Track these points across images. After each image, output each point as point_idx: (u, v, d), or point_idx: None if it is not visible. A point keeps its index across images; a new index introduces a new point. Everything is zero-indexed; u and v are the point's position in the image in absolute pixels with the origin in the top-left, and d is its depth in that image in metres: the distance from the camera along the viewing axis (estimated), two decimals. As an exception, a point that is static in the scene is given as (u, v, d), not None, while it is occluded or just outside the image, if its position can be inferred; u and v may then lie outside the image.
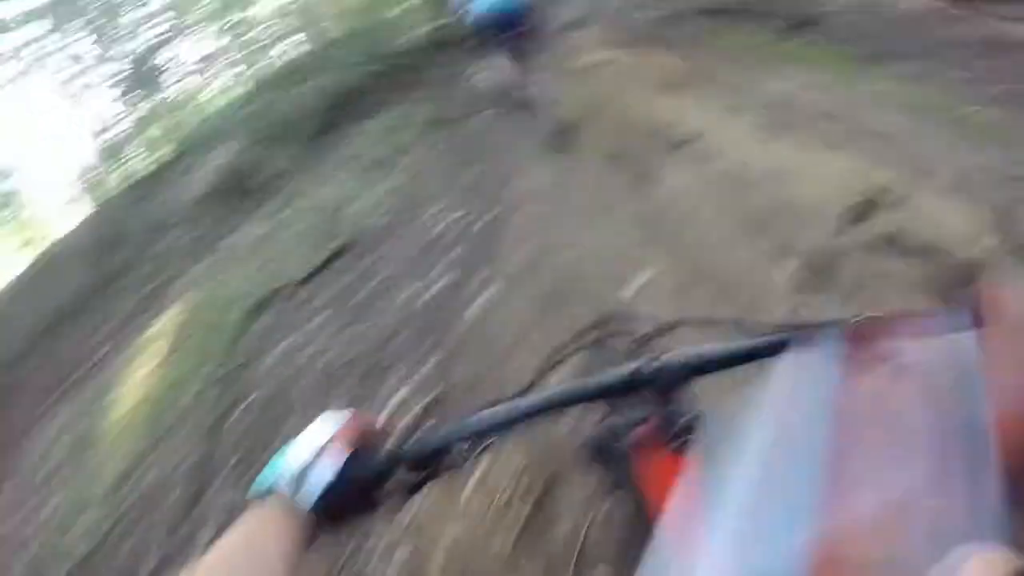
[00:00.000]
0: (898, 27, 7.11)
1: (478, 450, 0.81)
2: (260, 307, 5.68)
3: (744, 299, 3.16)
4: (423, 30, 13.70)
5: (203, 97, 25.24)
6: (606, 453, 0.95)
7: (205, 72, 24.92)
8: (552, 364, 1.03)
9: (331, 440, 0.77)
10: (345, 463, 0.76)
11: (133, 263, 10.14)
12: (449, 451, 0.79)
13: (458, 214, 5.40)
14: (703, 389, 0.84)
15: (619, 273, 3.69)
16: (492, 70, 7.32)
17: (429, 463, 0.79)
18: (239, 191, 9.71)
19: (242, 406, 4.57)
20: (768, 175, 4.32)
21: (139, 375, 6.47)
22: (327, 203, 7.21)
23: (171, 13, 22.89)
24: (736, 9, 9.11)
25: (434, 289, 4.40)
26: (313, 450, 0.76)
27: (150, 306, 8.32)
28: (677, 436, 0.80)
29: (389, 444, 0.82)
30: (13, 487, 5.84)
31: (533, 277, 4.02)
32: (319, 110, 10.87)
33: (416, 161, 7.35)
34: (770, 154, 4.66)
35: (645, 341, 1.03)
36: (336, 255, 5.70)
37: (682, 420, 0.81)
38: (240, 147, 11.59)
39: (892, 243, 3.23)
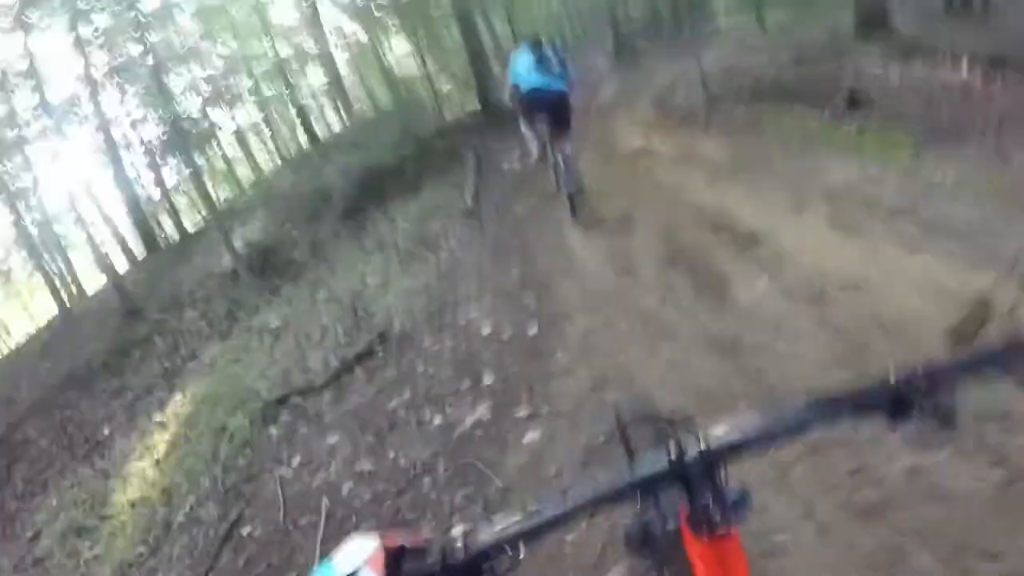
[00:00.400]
0: (946, 104, 6.76)
1: (522, 554, 0.73)
2: (271, 412, 5.10)
3: (851, 463, 2.46)
4: (464, 109, 13.60)
5: (239, 168, 25.53)
6: (651, 540, 0.90)
7: (242, 143, 25.29)
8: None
9: (364, 565, 0.67)
10: None
11: (150, 337, 9.73)
12: (494, 557, 0.71)
13: (498, 320, 4.72)
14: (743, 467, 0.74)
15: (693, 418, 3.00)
16: (531, 149, 6.94)
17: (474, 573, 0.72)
18: (263, 271, 9.31)
19: (243, 532, 3.96)
20: (849, 285, 3.70)
21: (138, 469, 6.07)
22: (351, 293, 6.70)
23: (215, 81, 23.48)
24: (780, 91, 8.74)
25: (470, 419, 3.70)
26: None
27: (161, 387, 7.96)
28: (724, 517, 0.75)
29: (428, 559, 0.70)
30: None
31: (587, 417, 3.28)
32: (351, 190, 10.56)
33: (450, 253, 6.77)
34: (846, 258, 4.06)
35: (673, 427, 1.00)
36: (360, 358, 5.10)
37: (727, 500, 0.75)
38: (268, 224, 11.29)
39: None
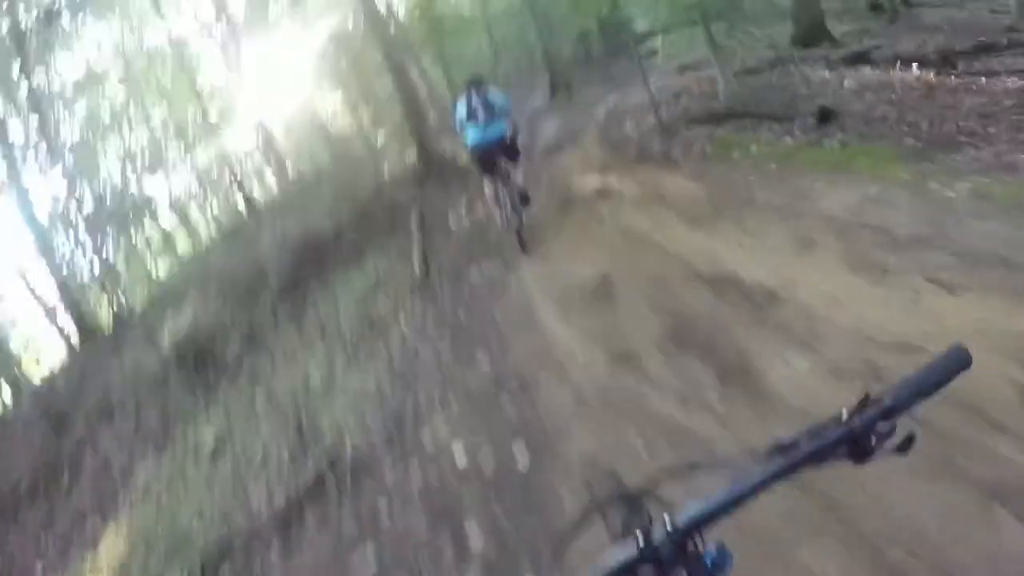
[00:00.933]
0: (913, 108, 6.43)
1: None
2: (210, 563, 4.05)
3: None
4: (403, 162, 12.73)
5: (178, 239, 24.16)
6: None
7: (181, 213, 23.98)
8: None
9: None
10: None
11: (80, 453, 8.45)
12: None
13: (474, 442, 3.61)
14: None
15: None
16: (490, 204, 6.74)
17: None
18: (197, 367, 8.17)
19: None
20: (898, 346, 2.90)
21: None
22: (294, 397, 5.66)
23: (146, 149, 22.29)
24: (736, 112, 8.11)
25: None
26: None
27: (94, 515, 6.76)
28: None
29: None
30: None
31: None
32: (288, 263, 9.51)
33: (403, 339, 5.66)
34: (884, 310, 3.29)
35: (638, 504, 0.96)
36: (309, 495, 4.04)
37: (705, 569, 0.75)
38: (201, 309, 10.16)
39: None
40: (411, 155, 12.58)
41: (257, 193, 22.70)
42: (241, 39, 19.99)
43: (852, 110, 7.02)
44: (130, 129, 21.91)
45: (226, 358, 7.84)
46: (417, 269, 6.72)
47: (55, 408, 10.00)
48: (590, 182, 7.72)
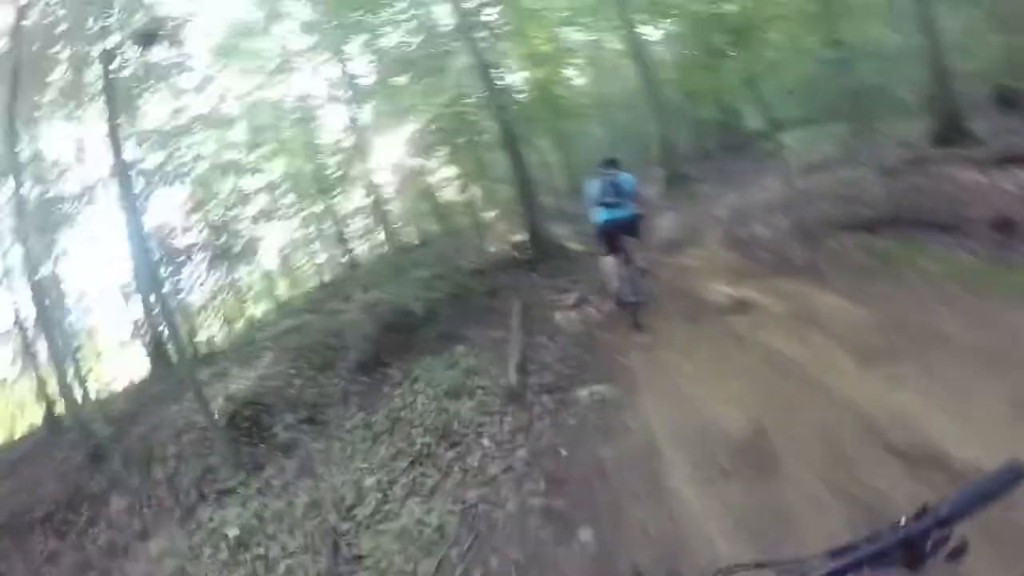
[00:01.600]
0: None
1: None
2: None
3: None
4: (510, 244, 12.03)
5: (271, 286, 24.33)
6: None
7: (284, 260, 24.24)
8: None
9: None
10: None
11: (105, 495, 7.60)
12: None
13: None
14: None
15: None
16: (609, 284, 6.68)
17: None
18: (250, 433, 7.36)
19: None
20: None
21: None
22: (339, 504, 4.64)
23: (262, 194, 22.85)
24: (887, 218, 6.91)
25: None
26: None
27: (96, 569, 5.95)
28: None
29: None
30: None
31: None
32: (373, 335, 8.69)
33: (480, 467, 4.45)
34: None
35: None
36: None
37: None
38: (271, 369, 9.48)
39: None
40: (519, 238, 11.87)
41: (360, 254, 22.72)
42: (363, 103, 20.35)
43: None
44: (250, 174, 22.53)
45: (281, 432, 7.00)
46: (513, 377, 5.64)
47: (96, 439, 9.34)
48: (721, 290, 6.60)
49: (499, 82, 12.56)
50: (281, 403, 7.79)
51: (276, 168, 22.74)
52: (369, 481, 4.80)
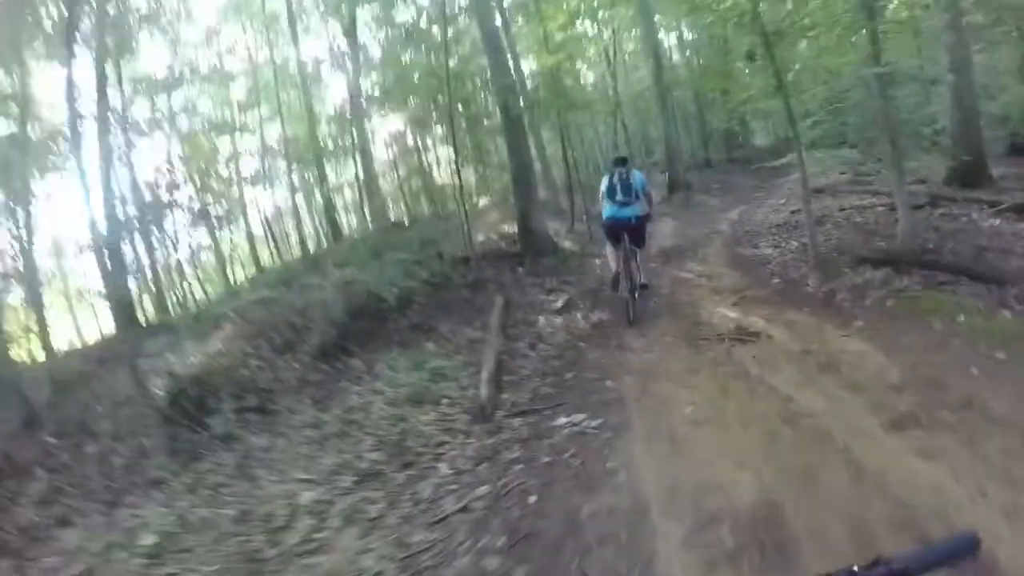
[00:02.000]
0: None
1: None
2: None
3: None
4: (501, 236, 11.29)
5: (262, 250, 23.39)
6: None
7: (268, 227, 23.30)
8: None
9: None
10: None
11: (31, 467, 6.76)
12: None
13: None
14: None
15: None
16: (611, 265, 6.68)
17: None
18: (194, 412, 6.55)
19: None
20: None
21: None
22: (270, 520, 3.93)
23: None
24: (914, 260, 6.26)
25: None
26: None
27: (7, 552, 5.10)
28: None
29: None
30: None
31: None
32: (342, 318, 7.88)
33: (437, 499, 3.65)
34: None
35: None
36: None
37: None
38: (228, 345, 8.68)
39: None
40: (510, 229, 11.13)
41: (346, 228, 21.86)
42: (367, 74, 19.49)
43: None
44: (244, 134, 21.65)
45: (224, 420, 6.22)
46: (484, 390, 4.83)
47: (34, 404, 8.45)
48: (725, 313, 5.92)
49: (507, 63, 11.74)
50: (230, 385, 7.01)
51: (271, 132, 21.91)
52: (306, 497, 4.04)
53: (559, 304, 7.15)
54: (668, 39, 24.45)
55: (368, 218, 19.26)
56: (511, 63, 13.19)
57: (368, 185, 18.97)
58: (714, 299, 6.55)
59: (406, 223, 19.62)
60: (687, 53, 24.74)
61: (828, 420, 3.67)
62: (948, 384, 3.89)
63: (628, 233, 6.41)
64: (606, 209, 6.53)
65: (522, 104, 11.39)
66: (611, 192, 6.42)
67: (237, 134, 21.53)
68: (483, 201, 18.61)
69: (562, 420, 4.22)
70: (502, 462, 3.86)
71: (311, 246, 21.05)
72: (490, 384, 4.91)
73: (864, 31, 6.33)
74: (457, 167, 10.94)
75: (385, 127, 22.15)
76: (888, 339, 4.75)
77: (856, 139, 12.52)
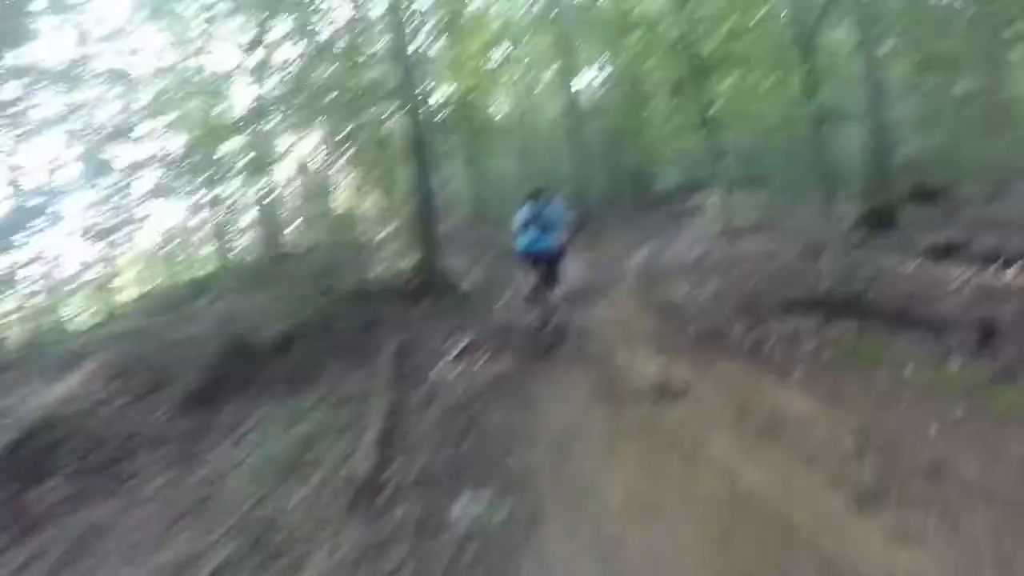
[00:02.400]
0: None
1: None
2: None
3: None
4: (400, 270, 10.27)
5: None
6: None
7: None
8: None
9: None
10: None
11: None
12: None
13: None
14: None
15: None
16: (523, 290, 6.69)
17: None
18: (37, 462, 5.20)
19: None
20: None
21: None
22: None
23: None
24: (843, 305, 5.80)
25: None
26: None
27: None
28: None
29: None
30: None
31: None
32: (217, 360, 6.70)
33: None
34: None
35: None
36: None
37: None
38: (86, 387, 7.25)
39: None
40: (410, 263, 10.19)
41: (242, 252, 20.15)
42: (279, 91, 18.05)
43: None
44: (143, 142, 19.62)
45: (66, 481, 4.92)
46: (366, 464, 3.85)
47: None
48: (644, 365, 5.21)
49: (417, 83, 10.90)
50: (80, 436, 5.67)
51: (173, 143, 19.93)
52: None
53: (459, 349, 6.25)
54: (582, 78, 24.40)
55: (265, 242, 17.80)
56: (422, 84, 12.44)
57: (268, 207, 17.54)
58: (631, 347, 5.83)
59: (303, 251, 18.28)
60: (602, 91, 24.72)
61: (785, 502, 2.98)
62: (909, 448, 3.37)
63: (543, 264, 6.30)
64: (521, 240, 6.34)
65: (430, 126, 10.57)
66: (527, 224, 6.26)
67: (136, 142, 19.47)
68: (386, 232, 17.57)
69: (460, 507, 3.29)
70: (383, 570, 2.88)
71: (206, 269, 19.22)
72: (374, 453, 3.91)
73: (798, 69, 5.95)
74: (357, 193, 9.86)
75: (294, 147, 20.69)
76: (832, 395, 4.15)
77: (769, 180, 12.45)
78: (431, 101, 13.03)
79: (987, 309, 5.32)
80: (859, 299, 5.88)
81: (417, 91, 10.51)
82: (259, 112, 16.72)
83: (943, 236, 9.72)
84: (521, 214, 6.39)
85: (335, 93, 9.35)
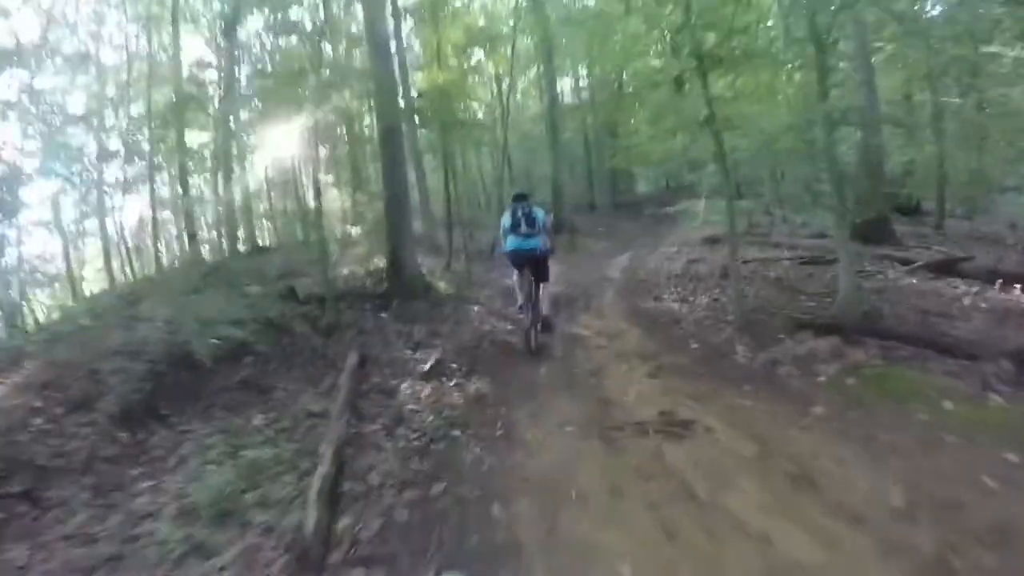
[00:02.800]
0: None
1: None
2: None
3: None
4: (368, 271, 9.49)
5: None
6: None
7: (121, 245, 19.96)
8: None
9: None
10: None
11: None
12: None
13: None
14: None
15: None
16: (517, 298, 6.45)
17: None
18: None
19: None
20: None
21: None
22: None
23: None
24: (857, 327, 5.21)
25: None
26: None
27: None
28: None
29: None
30: None
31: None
32: (158, 371, 5.83)
33: None
34: None
35: None
36: None
37: None
38: (22, 394, 6.33)
39: None
40: (379, 264, 9.41)
41: (206, 248, 19.14)
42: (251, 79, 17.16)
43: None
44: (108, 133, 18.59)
45: None
46: (312, 518, 3.03)
47: None
48: (641, 389, 4.53)
49: (394, 73, 10.12)
50: (5, 456, 4.81)
51: (140, 134, 18.84)
52: None
53: (428, 365, 5.51)
54: (562, 82, 23.80)
55: (227, 239, 16.85)
56: (399, 75, 11.69)
57: (232, 202, 16.58)
58: (623, 367, 5.14)
59: (271, 248, 17.35)
60: (582, 95, 24.10)
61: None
62: (966, 504, 2.76)
63: (531, 265, 6.32)
64: (509, 242, 6.38)
65: (405, 116, 9.81)
66: (515, 226, 6.30)
67: (103, 132, 18.46)
68: (357, 230, 16.76)
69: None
70: None
71: (165, 266, 18.18)
72: (323, 503, 3.15)
73: (810, 67, 5.35)
74: (316, 187, 9.02)
75: (265, 138, 19.67)
76: (865, 434, 3.52)
77: (760, 186, 11.93)
78: (408, 90, 12.17)
79: (1014, 333, 4.78)
80: (874, 318, 5.29)
81: (392, 76, 9.69)
82: (229, 100, 15.83)
83: (940, 252, 9.30)
84: (507, 217, 6.42)
85: (309, 77, 8.45)
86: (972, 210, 14.68)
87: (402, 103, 9.93)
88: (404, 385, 5.01)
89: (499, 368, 5.38)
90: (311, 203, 19.84)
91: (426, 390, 4.85)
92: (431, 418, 4.23)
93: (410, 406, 4.54)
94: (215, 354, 5.98)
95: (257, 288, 8.80)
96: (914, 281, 7.33)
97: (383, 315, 7.35)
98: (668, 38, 6.23)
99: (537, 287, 6.34)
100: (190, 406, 5.33)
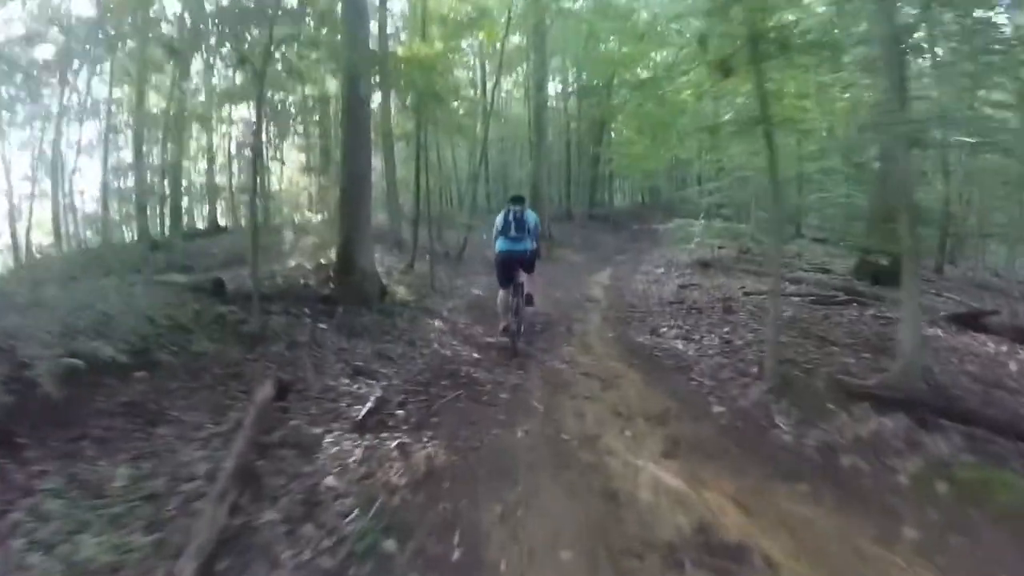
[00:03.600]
0: None
1: None
2: None
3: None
4: (317, 266, 8.03)
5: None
6: None
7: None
8: None
9: None
10: None
11: None
12: None
13: None
14: None
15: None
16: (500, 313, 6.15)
17: None
18: None
19: None
20: None
21: None
22: None
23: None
24: (926, 402, 3.96)
25: None
26: None
27: None
28: None
29: None
30: None
31: None
32: (45, 381, 4.27)
33: None
34: None
35: None
36: None
37: None
38: None
39: None
40: (329, 261, 7.94)
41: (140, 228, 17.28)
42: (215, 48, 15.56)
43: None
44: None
45: None
46: None
47: None
48: (657, 477, 3.17)
49: (367, 40, 8.61)
50: None
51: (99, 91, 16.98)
52: None
53: (366, 408, 4.06)
54: (552, 81, 22.55)
55: (170, 215, 15.17)
56: (378, 44, 10.28)
57: (179, 175, 14.88)
58: (626, 434, 3.77)
59: (224, 229, 15.70)
60: (569, 100, 22.86)
61: None
62: None
63: (519, 265, 6.32)
64: (499, 244, 6.36)
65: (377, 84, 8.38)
66: (506, 228, 6.29)
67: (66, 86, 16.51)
68: (318, 217, 15.27)
69: None
70: None
71: (116, 239, 16.21)
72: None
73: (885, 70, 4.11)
74: (255, 167, 7.43)
75: (228, 109, 17.99)
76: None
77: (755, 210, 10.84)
78: (384, 60, 10.64)
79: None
80: (945, 392, 4.06)
81: (365, 44, 8.18)
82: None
83: (954, 300, 8.30)
84: (500, 219, 6.38)
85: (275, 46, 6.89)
86: (955, 255, 13.92)
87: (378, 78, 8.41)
88: (328, 439, 3.54)
89: (461, 422, 3.97)
90: (273, 185, 18.31)
91: (357, 452, 3.38)
92: (356, 511, 2.77)
93: (330, 480, 3.09)
94: (107, 364, 4.46)
95: (181, 278, 7.29)
96: (940, 333, 6.22)
97: (322, 325, 5.88)
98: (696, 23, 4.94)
99: (523, 282, 6.36)
100: (57, 433, 3.78)
